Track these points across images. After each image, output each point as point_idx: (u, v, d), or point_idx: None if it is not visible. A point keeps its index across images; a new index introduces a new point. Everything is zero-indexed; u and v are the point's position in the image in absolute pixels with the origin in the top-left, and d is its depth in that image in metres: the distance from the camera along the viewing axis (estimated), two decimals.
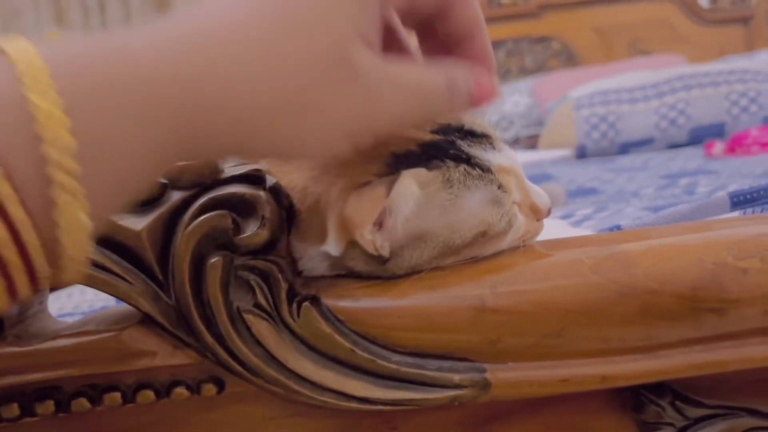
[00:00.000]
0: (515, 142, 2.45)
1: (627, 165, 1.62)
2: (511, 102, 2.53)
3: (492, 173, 0.37)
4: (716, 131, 1.94)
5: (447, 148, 0.36)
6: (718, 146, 1.60)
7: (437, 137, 0.37)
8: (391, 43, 0.34)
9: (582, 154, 2.04)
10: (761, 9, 2.80)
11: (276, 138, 0.29)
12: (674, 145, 1.99)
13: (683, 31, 2.81)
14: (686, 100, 2.00)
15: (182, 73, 0.26)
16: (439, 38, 0.34)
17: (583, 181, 1.39)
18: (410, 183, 0.34)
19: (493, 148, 0.38)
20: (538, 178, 1.48)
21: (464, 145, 0.37)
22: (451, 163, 0.36)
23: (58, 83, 0.24)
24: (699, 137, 1.94)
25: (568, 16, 2.84)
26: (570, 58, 2.83)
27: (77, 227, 0.25)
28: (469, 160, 0.37)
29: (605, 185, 1.27)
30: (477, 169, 0.36)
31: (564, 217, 0.87)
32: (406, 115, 0.31)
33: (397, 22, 0.35)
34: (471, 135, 0.39)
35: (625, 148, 2.02)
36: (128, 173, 0.27)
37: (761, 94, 1.98)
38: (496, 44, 2.84)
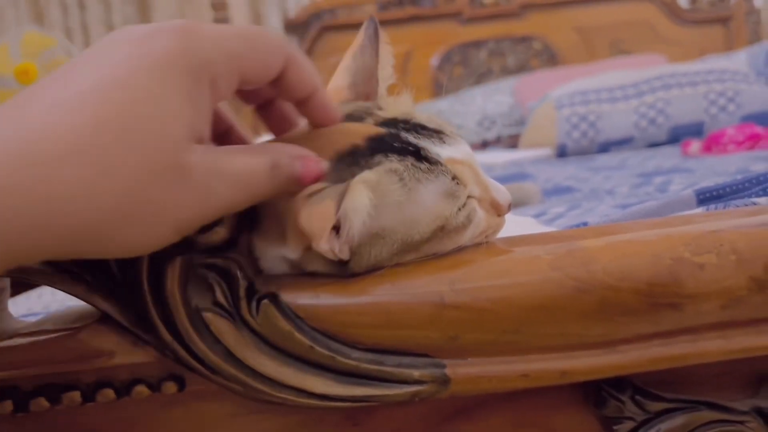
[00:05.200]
0: (497, 142, 2.47)
1: (605, 164, 1.64)
2: (493, 102, 2.54)
3: (442, 165, 0.37)
4: (695, 130, 1.96)
5: (391, 141, 0.36)
6: (695, 145, 1.62)
7: (381, 131, 0.37)
8: (217, 123, 0.35)
9: (562, 153, 2.05)
10: (740, 9, 2.83)
11: (105, 244, 0.29)
12: (654, 144, 2.01)
13: (664, 31, 2.83)
14: (665, 99, 2.02)
15: (8, 190, 0.26)
16: (276, 111, 0.36)
17: (559, 180, 1.40)
18: (360, 194, 0.33)
19: (443, 141, 0.38)
20: (516, 177, 1.49)
21: (410, 137, 0.37)
22: (394, 157, 0.35)
23: None
24: (678, 136, 1.96)
25: (549, 16, 2.86)
26: (551, 58, 2.85)
27: None
28: (417, 153, 0.36)
29: (581, 184, 1.28)
30: (424, 162, 0.36)
31: (537, 216, 0.87)
32: (233, 201, 0.32)
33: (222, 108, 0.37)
34: (420, 128, 0.39)
35: (605, 147, 2.04)
36: None
37: (739, 93, 2.01)
38: (478, 44, 2.85)
